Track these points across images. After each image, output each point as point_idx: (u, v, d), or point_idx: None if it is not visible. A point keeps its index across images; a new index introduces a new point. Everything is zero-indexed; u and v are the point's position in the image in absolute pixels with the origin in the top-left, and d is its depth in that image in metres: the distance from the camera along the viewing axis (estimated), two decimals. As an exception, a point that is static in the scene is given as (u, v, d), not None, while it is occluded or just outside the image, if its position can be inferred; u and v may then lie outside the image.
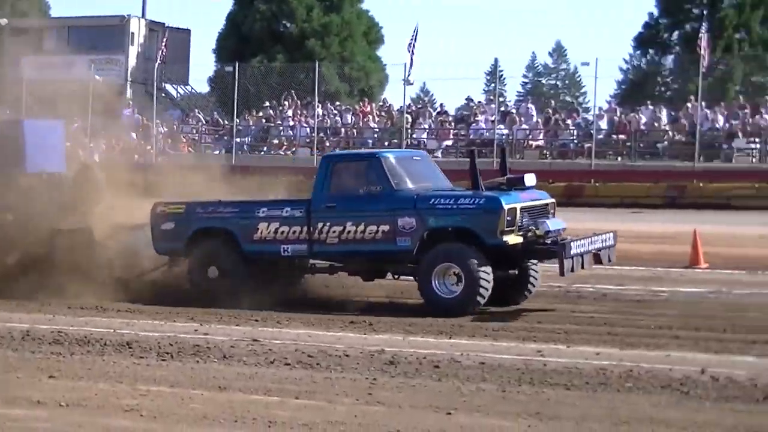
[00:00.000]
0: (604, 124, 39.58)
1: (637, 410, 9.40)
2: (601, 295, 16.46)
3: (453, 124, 42.50)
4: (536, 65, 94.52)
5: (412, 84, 41.37)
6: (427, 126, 42.49)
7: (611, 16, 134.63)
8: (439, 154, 40.42)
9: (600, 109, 40.63)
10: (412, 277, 15.43)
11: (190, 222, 16.27)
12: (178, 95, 54.51)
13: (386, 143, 41.04)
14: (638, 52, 57.94)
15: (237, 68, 42.31)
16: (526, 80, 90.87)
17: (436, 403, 9.69)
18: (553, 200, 15.85)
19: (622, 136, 39.04)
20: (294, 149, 42.80)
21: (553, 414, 9.28)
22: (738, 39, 52.96)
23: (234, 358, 11.96)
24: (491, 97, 46.51)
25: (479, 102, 44.49)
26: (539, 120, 40.91)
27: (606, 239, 15.29)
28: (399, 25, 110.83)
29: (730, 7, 52.04)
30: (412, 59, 38.28)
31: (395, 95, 72.57)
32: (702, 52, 35.87)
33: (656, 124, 39.11)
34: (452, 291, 14.66)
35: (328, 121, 43.80)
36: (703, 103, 37.82)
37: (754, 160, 36.75)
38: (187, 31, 56.15)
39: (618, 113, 40.32)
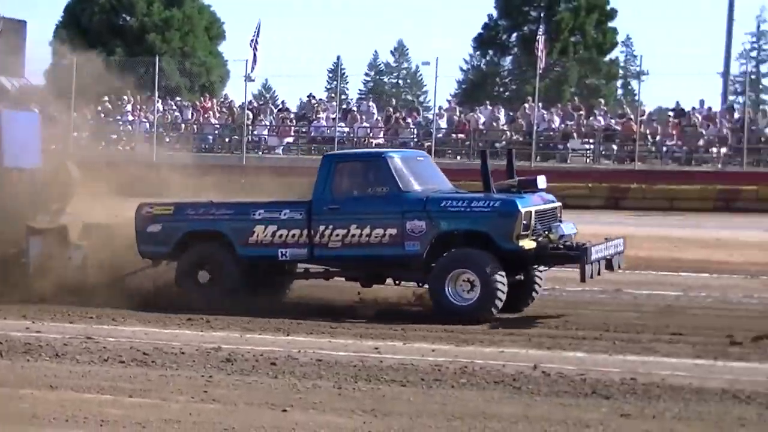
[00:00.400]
0: (443, 123, 40.05)
1: (470, 405, 9.54)
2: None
3: (294, 121, 42.49)
4: (378, 64, 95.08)
5: (253, 80, 41.26)
6: (268, 123, 42.39)
7: (452, 16, 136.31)
8: (280, 151, 40.38)
9: (440, 108, 41.08)
10: (415, 283, 14.97)
11: (179, 224, 15.42)
12: (13, 88, 53.14)
13: (227, 139, 40.80)
14: (478, 52, 58.90)
15: (75, 61, 41.48)
16: (368, 78, 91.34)
17: (272, 401, 9.67)
18: (560, 204, 15.33)
19: (461, 136, 39.56)
20: (133, 145, 42.17)
21: (388, 410, 9.36)
22: (573, 42, 54.26)
23: (67, 356, 11.73)
24: (333, 95, 46.61)
25: (321, 99, 44.57)
26: (380, 118, 41.18)
27: (617, 245, 14.82)
28: (241, 21, 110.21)
29: (567, 10, 53.23)
30: (255, 55, 38.08)
31: (237, 91, 72.06)
32: (539, 53, 36.58)
33: (494, 124, 39.76)
34: (465, 298, 14.02)
35: (169, 116, 43.28)
36: (540, 104, 38.58)
37: (588, 160, 37.62)
38: (23, 23, 54.77)
39: (457, 112, 40.85)
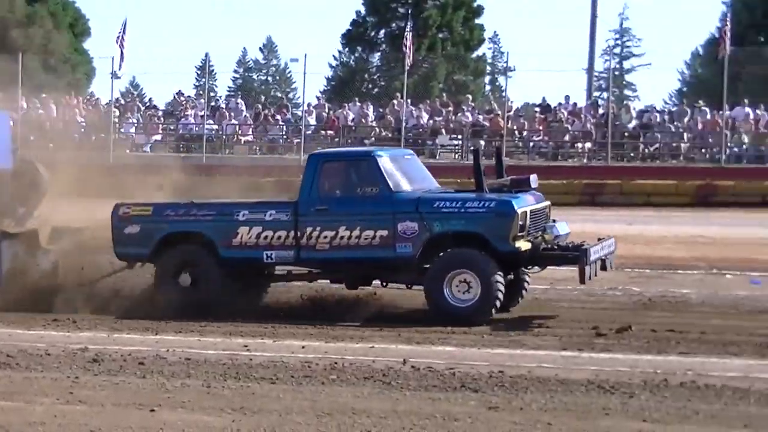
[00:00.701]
0: (312, 120, 40.02)
1: (339, 401, 9.55)
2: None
3: (162, 118, 42.03)
4: (247, 61, 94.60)
5: (120, 78, 40.59)
6: (135, 120, 41.84)
7: (321, 13, 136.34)
8: (148, 148, 39.88)
9: (309, 105, 41.04)
10: (404, 285, 14.54)
11: (158, 225, 14.85)
12: None
13: (93, 137, 40.13)
14: (346, 49, 58.98)
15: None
16: (237, 76, 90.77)
17: (140, 401, 9.56)
18: (550, 203, 14.96)
19: (330, 132, 39.60)
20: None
21: (258, 408, 9.32)
22: (441, 38, 54.71)
23: (-74, 360, 11.43)
24: (201, 92, 46.23)
25: (189, 97, 44.18)
26: (249, 115, 40.98)
27: (610, 245, 14.63)
28: (108, 18, 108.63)
29: (434, 7, 53.64)
30: (122, 53, 37.51)
31: (103, 89, 71.00)
32: (407, 50, 36.79)
33: (363, 120, 39.89)
34: (464, 299, 13.66)
35: (33, 114, 42.41)
36: (408, 101, 38.81)
37: (456, 156, 37.97)
38: None
39: (326, 109, 40.87)
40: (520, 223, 13.65)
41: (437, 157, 37.56)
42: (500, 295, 13.64)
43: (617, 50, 75.92)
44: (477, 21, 56.86)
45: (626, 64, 76.70)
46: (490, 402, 9.50)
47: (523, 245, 13.78)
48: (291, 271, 14.98)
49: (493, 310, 13.69)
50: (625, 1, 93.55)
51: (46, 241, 16.05)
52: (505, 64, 44.46)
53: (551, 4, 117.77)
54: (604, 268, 14.23)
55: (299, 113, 41.50)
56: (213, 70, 55.95)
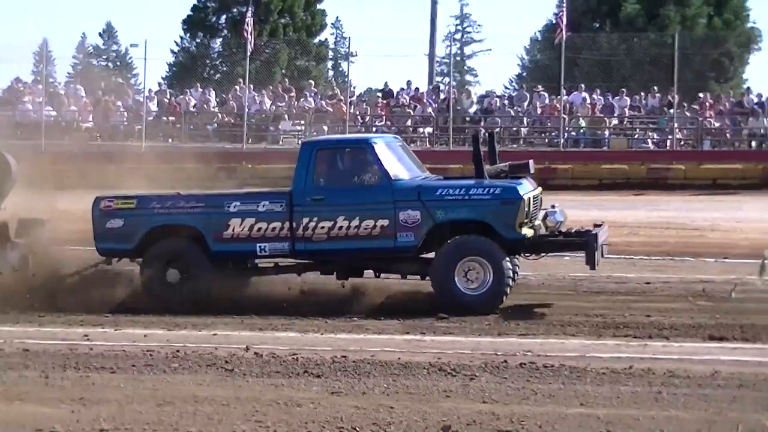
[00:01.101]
0: (154, 106, 39.50)
1: (182, 389, 9.48)
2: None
3: (-2, 105, 40.93)
4: (87, 46, 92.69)
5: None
6: (-31, 107, 40.67)
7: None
8: (-17, 135, 38.77)
9: (150, 90, 40.49)
10: (398, 275, 14.14)
11: (143, 218, 14.15)
12: None
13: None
14: (188, 35, 58.33)
15: None
16: (77, 61, 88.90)
17: (-26, 394, 9.33)
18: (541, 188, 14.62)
19: (172, 118, 39.15)
20: None
21: (98, 398, 9.18)
22: (283, 24, 54.52)
23: None
24: (39, 78, 45.19)
25: (26, 83, 43.10)
26: (88, 101, 40.22)
27: (606, 231, 14.25)
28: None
29: (274, -8, 53.41)
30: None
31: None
32: (248, 36, 36.56)
33: (206, 106, 39.55)
34: (474, 288, 13.24)
35: None
36: (251, 86, 38.60)
37: (299, 142, 37.88)
38: None
39: (168, 95, 40.38)
40: (525, 209, 13.42)
41: (281, 142, 37.46)
42: (511, 282, 13.43)
43: (458, 36, 76.78)
44: (319, 6, 56.89)
45: (467, 50, 77.59)
46: (332, 387, 9.54)
47: (528, 232, 13.57)
48: (277, 263, 14.49)
49: (504, 298, 13.42)
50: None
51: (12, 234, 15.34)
52: (347, 50, 44.44)
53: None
54: (602, 254, 13.82)
55: (140, 99, 40.89)
56: (51, 56, 54.69)
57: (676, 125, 34.99)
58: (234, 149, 35.90)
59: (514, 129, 37.62)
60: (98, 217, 14.29)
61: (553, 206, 14.03)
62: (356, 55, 39.80)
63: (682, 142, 35.72)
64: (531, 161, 14.27)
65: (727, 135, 35.95)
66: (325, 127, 36.53)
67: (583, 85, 37.18)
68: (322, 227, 13.63)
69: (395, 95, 39.18)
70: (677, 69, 34.52)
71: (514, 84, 55.78)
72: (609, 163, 32.90)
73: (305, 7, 54.74)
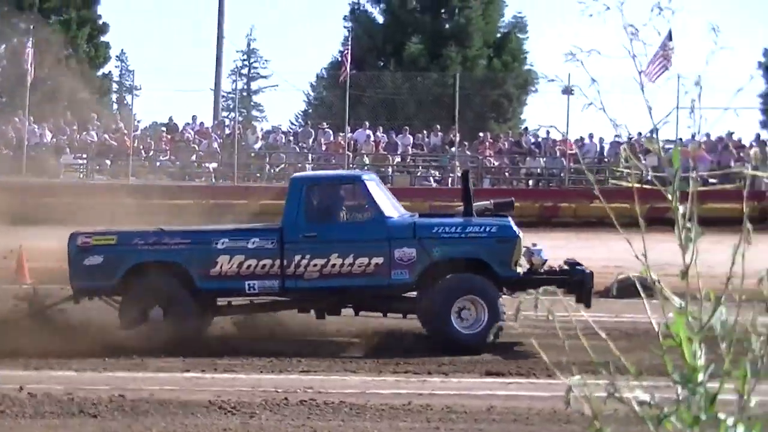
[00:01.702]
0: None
1: (-51, 433, 9.14)
2: None
3: None
4: None
5: None
6: None
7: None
8: None
9: None
10: (382, 314, 13.74)
11: (125, 255, 13.52)
12: None
13: None
14: (-36, 63, 56.54)
15: None
16: None
17: None
18: None
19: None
20: None
21: None
22: (66, 55, 53.40)
23: None
24: None
25: None
26: None
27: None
28: None
29: (57, 23, 52.38)
30: None
31: None
32: (28, 66, 35.65)
33: (-18, 138, 38.35)
34: (470, 327, 12.99)
35: None
36: (31, 118, 37.63)
37: (81, 175, 37.12)
38: None
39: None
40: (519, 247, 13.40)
41: (61, 176, 36.60)
42: (502, 321, 12.79)
43: (245, 71, 76.73)
44: (103, 39, 56.00)
45: (254, 85, 77.63)
46: (109, 427, 9.37)
47: (520, 270, 13.50)
48: (252, 301, 14.00)
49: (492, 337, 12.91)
50: (252, 23, 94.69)
51: None
52: (131, 83, 43.86)
53: (177, 24, 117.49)
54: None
55: None
56: None
57: (457, 163, 35.76)
58: (6, 182, 34.83)
59: (299, 165, 37.76)
60: (75, 254, 13.73)
61: (534, 244, 14.04)
62: (140, 89, 39.36)
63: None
64: (512, 198, 14.50)
65: (506, 174, 36.93)
66: (108, 161, 35.88)
67: (367, 123, 37.63)
68: (315, 265, 13.40)
69: (180, 129, 38.83)
70: (458, 108, 35.33)
71: (299, 120, 56.03)
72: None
73: (88, 39, 53.79)
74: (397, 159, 37.22)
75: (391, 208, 13.93)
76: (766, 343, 3.09)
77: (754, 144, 36.64)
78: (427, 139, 37.74)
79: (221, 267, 13.45)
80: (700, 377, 2.95)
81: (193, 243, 13.68)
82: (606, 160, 34.45)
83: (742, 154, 33.80)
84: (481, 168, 36.22)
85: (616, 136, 29.68)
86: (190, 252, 13.57)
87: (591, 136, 35.50)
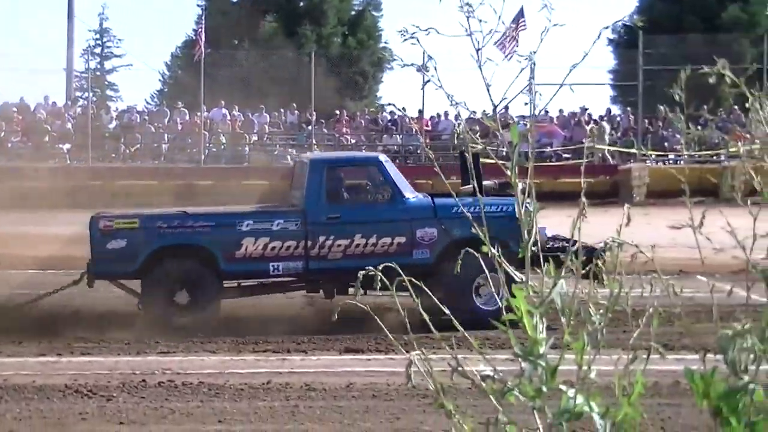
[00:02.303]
0: None
1: None
2: None
3: None
4: None
5: None
6: None
7: None
8: None
9: None
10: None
11: (148, 238, 13.38)
12: None
13: None
14: None
15: None
16: None
17: None
18: None
19: None
20: None
21: None
22: None
23: None
24: None
25: None
26: None
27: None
28: None
29: None
30: None
31: None
32: None
33: None
34: (484, 303, 13.12)
35: None
36: None
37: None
38: None
39: None
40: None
41: None
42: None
43: (98, 50, 75.37)
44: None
45: (107, 65, 76.26)
46: (-39, 415, 9.18)
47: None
48: (262, 283, 14.01)
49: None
50: (104, 1, 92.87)
51: None
52: (-20, 62, 42.75)
53: (28, 3, 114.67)
54: None
55: None
56: None
57: (314, 141, 35.78)
58: None
59: (155, 145, 37.35)
60: (98, 238, 13.55)
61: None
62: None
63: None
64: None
65: (363, 151, 37.09)
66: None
67: (223, 102, 37.36)
68: (339, 245, 13.53)
69: (32, 110, 38.02)
70: (314, 86, 35.33)
71: (155, 99, 55.33)
72: (250, 179, 33.15)
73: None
74: (254, 138, 37.07)
75: (408, 188, 14.25)
76: (605, 314, 3.21)
77: (604, 118, 37.53)
78: (283, 118, 37.69)
79: (246, 249, 13.55)
80: (541, 350, 3.04)
81: (217, 225, 13.75)
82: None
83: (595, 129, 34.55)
84: (337, 146, 36.32)
85: (471, 113, 29.96)
86: (214, 234, 13.63)
87: (446, 114, 35.86)
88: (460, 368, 3.00)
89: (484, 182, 14.81)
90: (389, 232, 13.67)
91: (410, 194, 14.11)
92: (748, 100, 3.06)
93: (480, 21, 3.11)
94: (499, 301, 10.90)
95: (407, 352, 3.07)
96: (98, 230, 13.64)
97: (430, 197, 14.32)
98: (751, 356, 2.74)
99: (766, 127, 3.10)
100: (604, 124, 35.95)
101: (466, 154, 15.05)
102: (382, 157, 14.74)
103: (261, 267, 13.60)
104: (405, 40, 3.21)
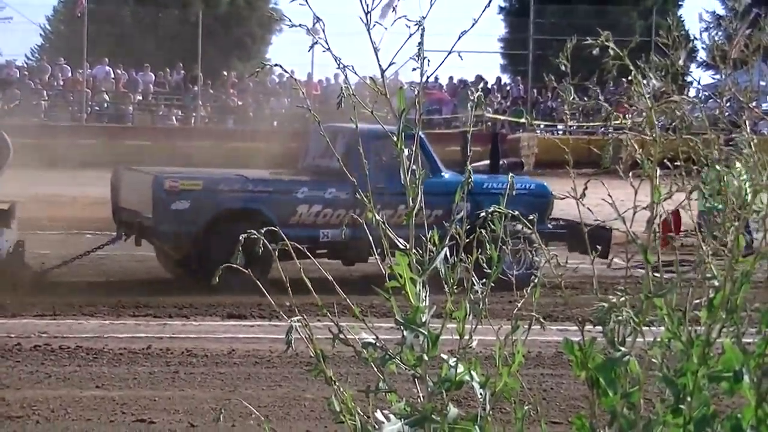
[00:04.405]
0: None
1: None
2: None
3: None
4: None
5: None
6: None
7: None
8: None
9: None
10: None
11: (211, 201, 13.52)
12: None
13: None
14: None
15: None
16: None
17: None
18: None
19: None
20: None
21: None
22: None
23: None
24: None
25: None
26: None
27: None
28: None
29: None
30: None
31: None
32: None
33: None
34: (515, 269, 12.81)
35: None
36: None
37: None
38: None
39: None
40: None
41: None
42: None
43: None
44: None
45: (-13, 18, 74.53)
46: None
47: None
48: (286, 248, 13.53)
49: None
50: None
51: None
52: None
53: None
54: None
55: None
56: None
57: (200, 102, 35.40)
58: None
59: (34, 102, 36.55)
60: (163, 198, 13.47)
61: None
62: None
63: (206, 120, 36.16)
64: (522, 160, 16.56)
65: (250, 114, 36.80)
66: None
67: (107, 59, 36.67)
68: (383, 215, 13.05)
69: None
70: (201, 46, 34.93)
71: (36, 55, 54.16)
72: (134, 139, 32.58)
73: None
74: (139, 97, 36.51)
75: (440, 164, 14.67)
76: (488, 284, 3.21)
77: (495, 87, 37.76)
78: (169, 77, 37.17)
79: (300, 215, 13.94)
80: (423, 318, 3.02)
81: (274, 191, 14.06)
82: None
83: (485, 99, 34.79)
84: (225, 108, 35.99)
85: (361, 78, 29.86)
86: (272, 200, 13.91)
87: (336, 77, 35.71)
88: (341, 335, 2.97)
89: (511, 160, 16.74)
90: (429, 204, 14.09)
91: (443, 169, 14.64)
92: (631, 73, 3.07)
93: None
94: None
95: (289, 318, 3.02)
96: (164, 190, 13.58)
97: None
98: (628, 328, 2.76)
99: (647, 99, 3.11)
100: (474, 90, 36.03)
101: (468, 135, 16.09)
102: (422, 133, 15.14)
103: (312, 233, 13.76)
104: (292, 1, 3.16)
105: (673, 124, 3.14)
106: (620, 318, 2.80)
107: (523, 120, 32.40)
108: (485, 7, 3.25)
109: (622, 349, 2.76)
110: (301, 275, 3.18)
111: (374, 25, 3.07)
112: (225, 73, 37.55)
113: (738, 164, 2.98)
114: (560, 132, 33.95)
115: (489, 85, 37.52)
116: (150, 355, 9.90)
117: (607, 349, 2.79)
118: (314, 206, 14.04)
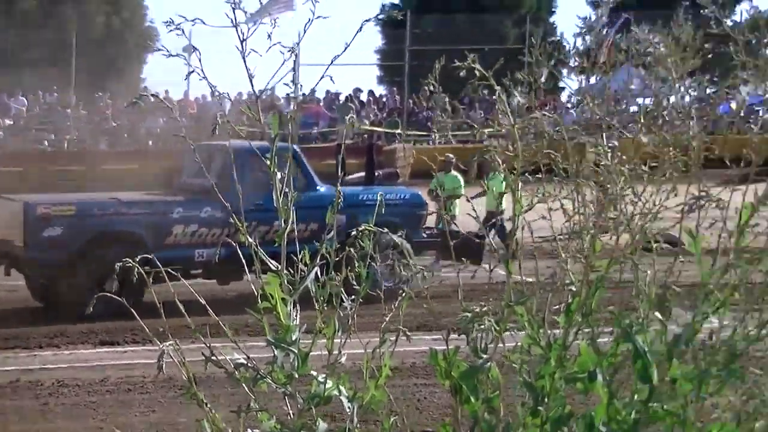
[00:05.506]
0: None
1: None
2: None
3: None
4: None
5: None
6: None
7: None
8: None
9: None
10: None
11: (85, 225, 13.09)
12: None
13: None
14: None
15: None
16: None
17: None
18: None
19: None
20: None
21: None
22: None
23: None
24: None
25: None
26: None
27: None
28: None
29: None
30: None
31: None
32: None
33: None
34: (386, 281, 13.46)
35: None
36: None
37: None
38: None
39: None
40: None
41: None
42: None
43: None
44: None
45: None
46: None
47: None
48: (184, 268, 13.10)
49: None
50: None
51: None
52: None
53: None
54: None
55: None
56: None
57: (72, 125, 34.80)
58: None
59: None
60: (34, 224, 12.97)
61: None
62: None
63: (78, 142, 35.42)
64: (397, 170, 17.51)
65: (125, 135, 36.29)
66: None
67: (-23, 84, 35.80)
68: (260, 231, 12.92)
69: None
70: (75, 68, 34.39)
71: None
72: (5, 165, 31.55)
73: None
74: (9, 122, 35.68)
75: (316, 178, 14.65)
76: (357, 299, 3.28)
77: (370, 99, 37.87)
78: (42, 100, 36.49)
79: (175, 236, 13.70)
80: (294, 336, 3.09)
81: (150, 213, 13.82)
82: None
83: (361, 111, 34.90)
84: (97, 130, 35.46)
85: (238, 93, 29.69)
86: (147, 221, 13.64)
87: (213, 93, 35.40)
88: (213, 357, 3.02)
89: (386, 170, 17.25)
90: (304, 219, 14.14)
91: (320, 183, 14.67)
92: (500, 87, 3.19)
93: (245, 13, 3.16)
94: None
95: (161, 342, 3.06)
96: (35, 216, 13.21)
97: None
98: (490, 336, 2.86)
99: (510, 116, 3.23)
100: (350, 104, 36.09)
101: (342, 149, 16.38)
102: (297, 147, 15.18)
103: (187, 253, 13.58)
104: (171, 31, 3.21)
105: (536, 134, 3.26)
106: (482, 326, 2.90)
107: (398, 131, 32.59)
108: (356, 33, 3.35)
109: (484, 356, 2.86)
110: (175, 298, 3.20)
111: (249, 53, 3.14)
112: (99, 94, 37.01)
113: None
114: (439, 142, 34.18)
115: (364, 98, 37.64)
116: (18, 388, 9.68)
117: (470, 357, 2.89)
118: (190, 226, 13.85)
